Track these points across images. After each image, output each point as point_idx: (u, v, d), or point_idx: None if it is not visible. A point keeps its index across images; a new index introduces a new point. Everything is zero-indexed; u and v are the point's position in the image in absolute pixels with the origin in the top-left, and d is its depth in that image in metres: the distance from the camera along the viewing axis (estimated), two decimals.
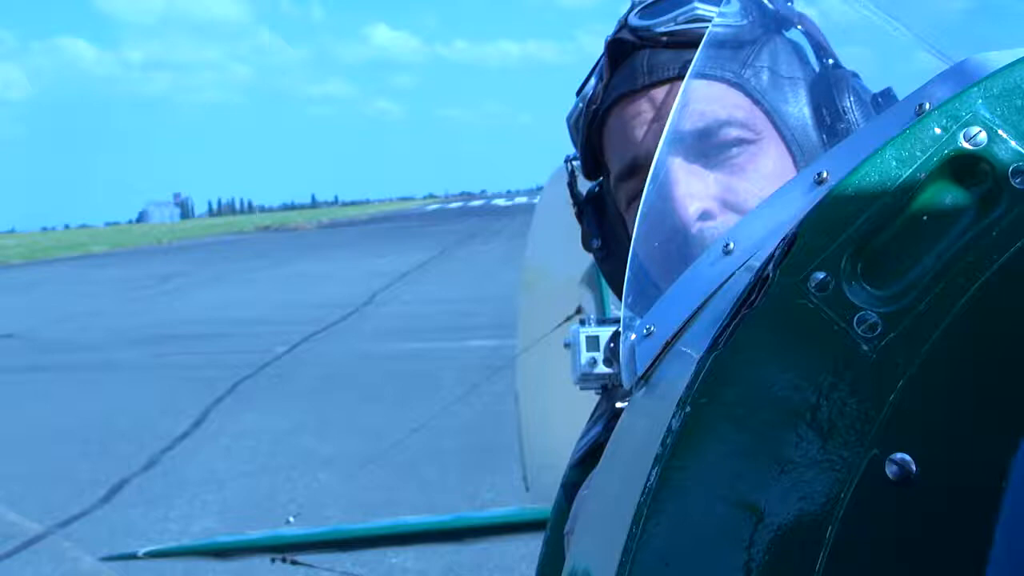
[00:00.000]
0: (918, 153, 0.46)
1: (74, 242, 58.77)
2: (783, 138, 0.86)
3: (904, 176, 0.46)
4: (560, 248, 2.38)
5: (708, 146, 0.84)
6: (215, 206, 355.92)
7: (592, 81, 0.94)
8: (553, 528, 1.02)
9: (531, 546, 1.82)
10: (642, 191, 0.78)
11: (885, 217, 0.46)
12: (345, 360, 9.99)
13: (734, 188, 0.84)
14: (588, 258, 1.67)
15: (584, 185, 1.04)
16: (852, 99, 0.86)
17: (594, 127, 0.94)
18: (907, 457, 0.43)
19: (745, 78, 0.86)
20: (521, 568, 3.99)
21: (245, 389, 8.78)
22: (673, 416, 0.46)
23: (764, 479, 0.44)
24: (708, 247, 0.58)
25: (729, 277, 0.53)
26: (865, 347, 0.44)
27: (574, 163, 1.02)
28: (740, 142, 0.85)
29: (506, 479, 4.82)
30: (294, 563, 2.41)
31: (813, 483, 0.44)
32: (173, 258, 34.65)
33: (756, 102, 0.86)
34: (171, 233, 66.77)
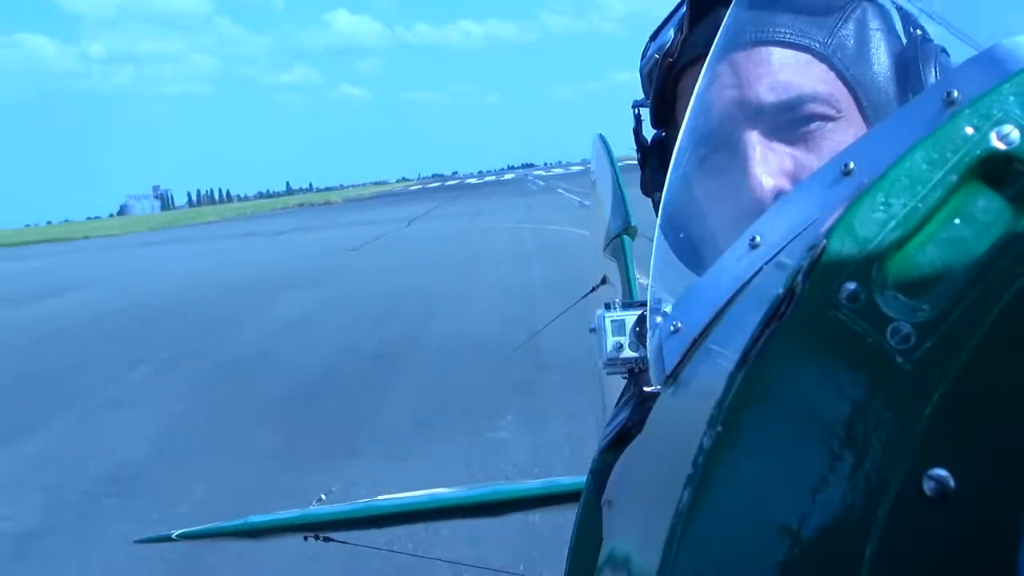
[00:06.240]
0: (948, 154, 0.44)
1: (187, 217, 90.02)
2: (864, 116, 0.81)
3: (935, 179, 0.44)
4: (595, 216, 2.41)
5: (787, 121, 0.79)
6: (195, 197, 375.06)
7: (670, 31, 0.89)
8: (584, 512, 1.02)
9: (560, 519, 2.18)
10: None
11: (916, 223, 0.43)
12: (446, 218, 38.74)
13: (810, 167, 0.78)
14: (612, 227, 2.05)
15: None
16: (938, 76, 0.80)
17: (668, 80, 0.90)
18: (944, 472, 0.39)
19: (831, 49, 0.80)
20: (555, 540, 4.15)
21: (417, 220, 36.62)
22: (704, 435, 0.45)
23: (798, 498, 0.42)
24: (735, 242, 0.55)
25: (756, 273, 0.52)
26: (899, 359, 0.42)
27: (641, 109, 0.98)
28: (821, 118, 0.80)
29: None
30: (327, 540, 2.47)
31: (849, 501, 0.41)
32: (290, 217, 60.95)
33: (841, 76, 0.80)
34: (252, 207, 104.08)
